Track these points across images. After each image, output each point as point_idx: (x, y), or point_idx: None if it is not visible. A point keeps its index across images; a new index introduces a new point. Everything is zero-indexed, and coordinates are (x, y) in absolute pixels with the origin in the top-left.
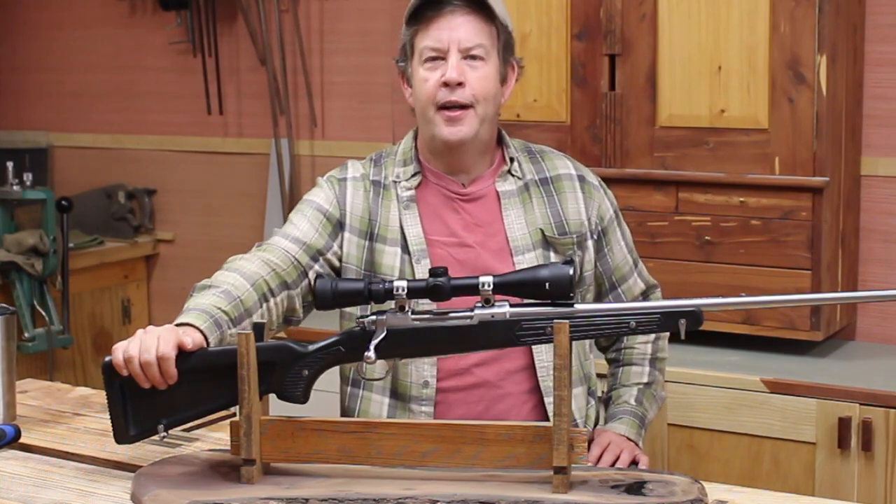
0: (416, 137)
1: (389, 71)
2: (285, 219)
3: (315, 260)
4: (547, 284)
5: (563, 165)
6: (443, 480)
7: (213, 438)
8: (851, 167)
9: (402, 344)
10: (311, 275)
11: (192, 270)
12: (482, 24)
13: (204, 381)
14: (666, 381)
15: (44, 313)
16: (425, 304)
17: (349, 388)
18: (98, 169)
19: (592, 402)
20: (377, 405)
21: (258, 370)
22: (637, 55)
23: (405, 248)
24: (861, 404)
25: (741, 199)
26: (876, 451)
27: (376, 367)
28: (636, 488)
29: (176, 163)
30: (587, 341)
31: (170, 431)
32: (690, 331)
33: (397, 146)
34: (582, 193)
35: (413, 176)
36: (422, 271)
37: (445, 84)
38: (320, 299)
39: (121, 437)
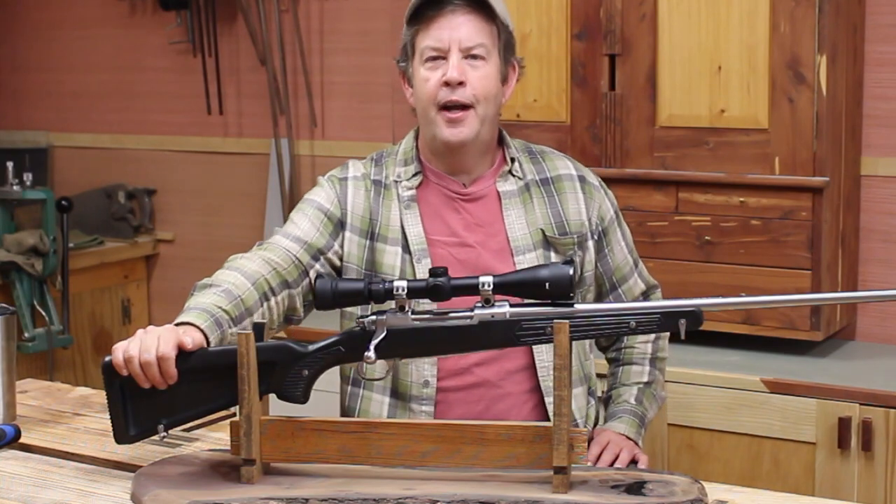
0: (416, 137)
1: (389, 71)
2: (285, 219)
3: (316, 259)
4: (547, 284)
5: (564, 166)
6: (443, 480)
7: (213, 438)
8: (851, 167)
9: (402, 344)
10: (312, 274)
11: (192, 270)
12: (483, 24)
13: (204, 381)
14: (666, 381)
15: (44, 313)
16: (426, 304)
17: (349, 388)
18: (98, 169)
19: (592, 402)
20: (377, 404)
21: (258, 370)
22: (637, 55)
23: (406, 248)
24: (861, 404)
25: (741, 199)
26: (876, 451)
27: (376, 367)
28: (636, 488)
29: (176, 163)
30: (587, 341)
31: (170, 431)
32: (690, 331)
33: (398, 146)
34: (582, 194)
35: (414, 176)
36: (422, 271)
37: (446, 83)
38: (320, 299)
39: (121, 437)
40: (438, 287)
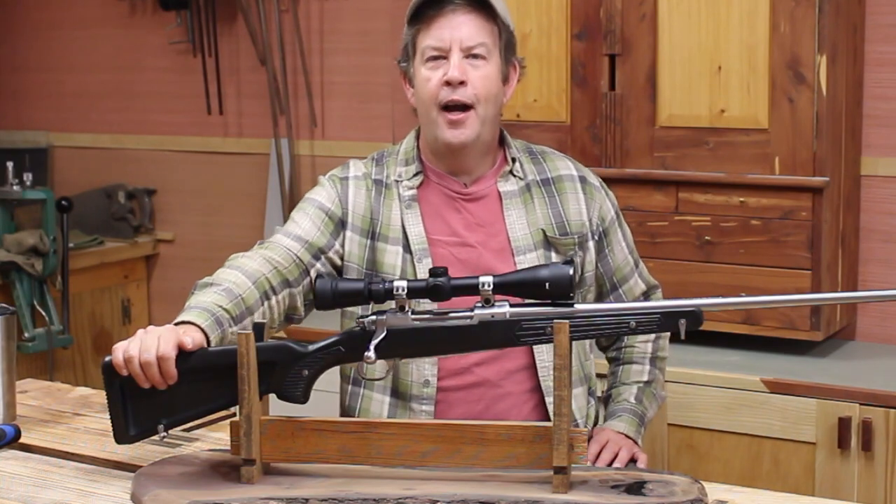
0: (417, 137)
1: (389, 71)
2: (285, 219)
3: (317, 258)
4: (547, 284)
5: (565, 166)
6: (443, 480)
7: (213, 438)
8: (851, 167)
9: (402, 344)
10: (313, 273)
11: (192, 270)
12: (484, 23)
13: (204, 381)
14: (666, 381)
15: (44, 313)
16: (426, 303)
17: (350, 387)
18: (98, 169)
19: (592, 402)
20: (378, 404)
21: (258, 370)
22: (637, 55)
23: (407, 248)
24: (861, 404)
25: (741, 199)
26: (876, 451)
27: (377, 367)
28: (636, 488)
29: (176, 163)
30: (587, 341)
31: (170, 431)
32: (690, 331)
33: (399, 145)
34: (583, 194)
35: (415, 175)
36: (423, 270)
37: (448, 83)
38: (320, 299)
39: (121, 437)
40: (438, 287)
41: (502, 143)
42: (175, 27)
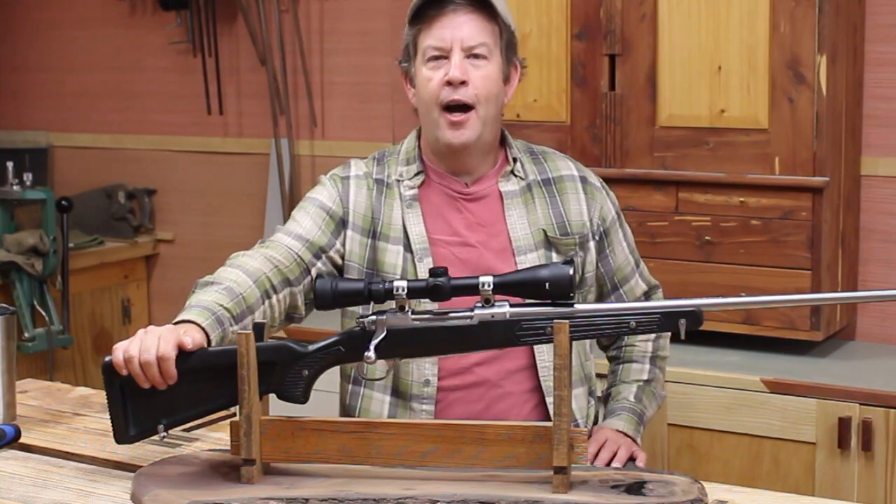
0: (419, 137)
1: (389, 71)
2: (285, 219)
3: (318, 257)
4: (547, 284)
5: (566, 167)
6: (443, 480)
7: (213, 438)
8: (851, 167)
9: (402, 344)
10: (314, 272)
11: (192, 270)
12: (485, 23)
13: (204, 381)
14: (666, 381)
15: (44, 313)
16: (426, 303)
17: (350, 386)
18: (98, 169)
19: (592, 402)
20: (378, 403)
21: (258, 370)
22: (637, 55)
23: (408, 247)
24: (861, 404)
25: (741, 199)
26: (876, 451)
27: (377, 367)
28: (636, 488)
29: (176, 163)
30: (588, 341)
31: (170, 431)
32: (690, 331)
33: (400, 145)
34: (584, 195)
35: (416, 175)
36: (424, 270)
37: (449, 83)
38: (320, 299)
39: (121, 437)
40: (438, 287)
41: (503, 143)
42: (175, 27)
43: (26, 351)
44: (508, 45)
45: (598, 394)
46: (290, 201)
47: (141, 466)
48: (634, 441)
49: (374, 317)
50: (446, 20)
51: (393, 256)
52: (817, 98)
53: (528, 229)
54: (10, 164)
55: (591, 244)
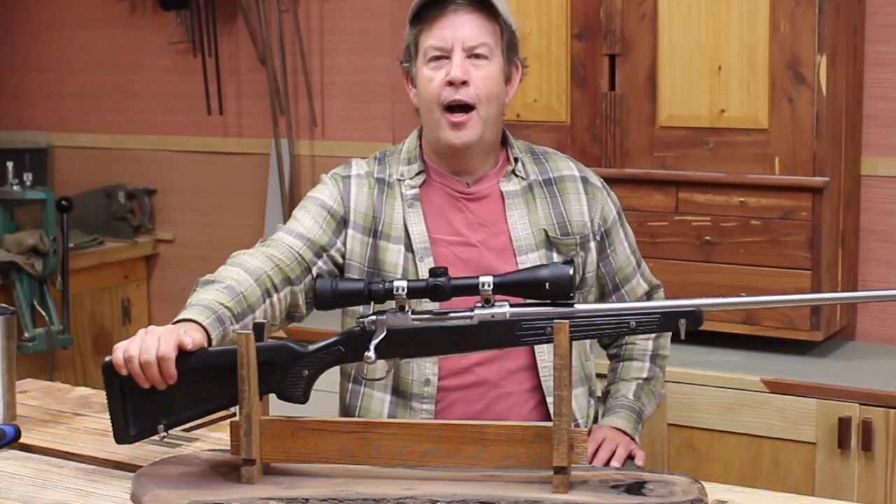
0: (420, 136)
1: (389, 71)
2: (285, 219)
3: (319, 256)
4: (547, 284)
5: (567, 167)
6: (443, 480)
7: (213, 438)
8: (851, 167)
9: (402, 344)
10: (315, 271)
11: (192, 270)
12: (486, 23)
13: (204, 381)
14: (666, 381)
15: (44, 313)
16: (426, 303)
17: (350, 385)
18: (98, 169)
19: (593, 402)
20: (378, 402)
21: (258, 370)
22: (637, 55)
23: (409, 247)
24: (861, 404)
25: (741, 199)
26: (876, 451)
27: (377, 367)
28: (636, 488)
29: (176, 163)
30: (588, 341)
31: (170, 431)
32: (690, 331)
33: (401, 145)
34: (585, 195)
35: (417, 175)
36: (425, 270)
37: (450, 83)
38: (320, 299)
39: (121, 437)
40: (438, 287)
41: (505, 142)
42: (175, 27)
43: (26, 351)
44: (509, 44)
45: (599, 394)
46: (290, 201)
47: (141, 466)
48: (633, 439)
49: (374, 317)
50: (447, 20)
51: (394, 256)
52: (817, 98)
53: (529, 229)
54: (10, 164)
55: (592, 244)
